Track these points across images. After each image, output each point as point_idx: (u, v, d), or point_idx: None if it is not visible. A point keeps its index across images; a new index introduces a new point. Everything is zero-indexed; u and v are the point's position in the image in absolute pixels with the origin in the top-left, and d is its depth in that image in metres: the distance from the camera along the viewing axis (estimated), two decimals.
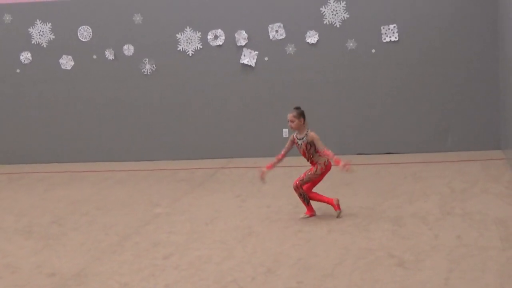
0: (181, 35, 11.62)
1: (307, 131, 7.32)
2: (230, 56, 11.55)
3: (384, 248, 6.20)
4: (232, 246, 6.56)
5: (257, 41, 11.47)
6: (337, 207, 7.39)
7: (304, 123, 7.34)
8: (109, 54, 11.81)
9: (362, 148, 11.37)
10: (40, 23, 11.93)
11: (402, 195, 8.29)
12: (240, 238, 6.82)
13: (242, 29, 11.47)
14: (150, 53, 11.73)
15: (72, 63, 11.94)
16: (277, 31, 11.39)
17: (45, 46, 11.96)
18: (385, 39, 11.14)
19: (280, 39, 11.41)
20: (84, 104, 12.01)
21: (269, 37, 11.42)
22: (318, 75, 11.39)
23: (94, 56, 11.87)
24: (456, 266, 5.62)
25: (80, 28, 11.85)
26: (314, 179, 7.40)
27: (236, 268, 5.89)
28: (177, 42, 11.65)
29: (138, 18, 11.70)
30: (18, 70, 12.10)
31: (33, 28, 11.95)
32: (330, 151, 7.18)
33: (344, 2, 11.17)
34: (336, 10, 11.21)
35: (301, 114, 7.36)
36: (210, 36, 11.56)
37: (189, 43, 11.61)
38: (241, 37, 11.46)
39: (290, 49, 11.38)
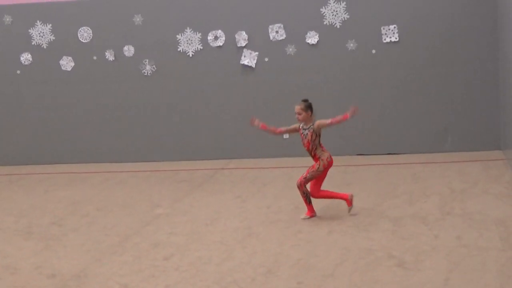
0: (181, 36, 11.62)
1: (313, 123, 7.36)
2: (230, 57, 11.55)
3: (384, 249, 6.20)
4: (232, 247, 6.56)
5: (257, 41, 11.47)
6: (349, 202, 7.44)
7: (311, 115, 7.38)
8: (109, 55, 11.82)
9: (362, 149, 11.37)
10: (40, 24, 11.93)
11: (402, 196, 8.29)
12: (240, 239, 6.83)
13: (242, 30, 11.47)
14: (151, 54, 11.74)
15: (72, 64, 11.94)
16: (277, 32, 11.39)
17: (45, 47, 11.97)
18: (385, 39, 11.14)
19: (280, 40, 11.41)
20: (84, 105, 12.01)
21: (269, 37, 11.42)
22: (318, 75, 11.39)
23: (95, 57, 11.87)
24: (456, 267, 5.62)
25: (80, 29, 11.85)
26: (318, 176, 7.41)
27: (236, 269, 5.89)
28: (177, 43, 11.65)
29: (138, 19, 11.71)
30: (18, 71, 12.10)
31: (33, 29, 11.96)
32: (335, 117, 7.29)
33: (344, 3, 11.17)
34: (336, 11, 11.21)
35: (308, 107, 7.40)
36: (210, 37, 11.56)
37: (190, 44, 11.61)
38: (241, 38, 11.47)
39: (291, 49, 11.38)
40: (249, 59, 11.48)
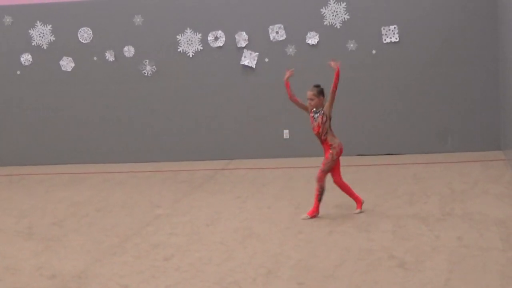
0: (181, 36, 11.62)
1: (324, 106, 7.36)
2: (230, 57, 11.55)
3: (384, 249, 6.20)
4: (232, 247, 6.56)
5: (257, 42, 11.47)
6: (360, 206, 7.54)
7: (323, 101, 7.38)
8: (110, 56, 11.81)
9: (362, 149, 11.37)
10: (41, 25, 11.93)
11: (402, 196, 8.29)
12: (241, 239, 6.82)
13: (243, 31, 11.47)
14: (151, 54, 11.73)
15: (73, 64, 11.94)
16: (277, 32, 11.39)
17: (45, 47, 11.96)
18: (385, 40, 11.14)
19: (281, 40, 11.41)
20: (84, 105, 12.00)
21: (269, 38, 11.42)
22: (318, 76, 11.35)
23: (95, 58, 11.87)
24: (457, 267, 5.62)
25: (80, 29, 11.85)
26: (334, 166, 7.45)
27: (236, 269, 5.89)
28: (177, 43, 11.64)
29: (138, 20, 11.70)
30: (18, 72, 12.10)
31: (33, 30, 11.96)
32: (333, 83, 7.31)
33: (345, 3, 11.17)
34: (337, 11, 11.21)
35: (320, 92, 7.43)
36: (210, 37, 11.56)
37: (190, 45, 11.61)
38: (242, 38, 11.46)
39: (291, 50, 11.38)
40: (249, 59, 11.48)
